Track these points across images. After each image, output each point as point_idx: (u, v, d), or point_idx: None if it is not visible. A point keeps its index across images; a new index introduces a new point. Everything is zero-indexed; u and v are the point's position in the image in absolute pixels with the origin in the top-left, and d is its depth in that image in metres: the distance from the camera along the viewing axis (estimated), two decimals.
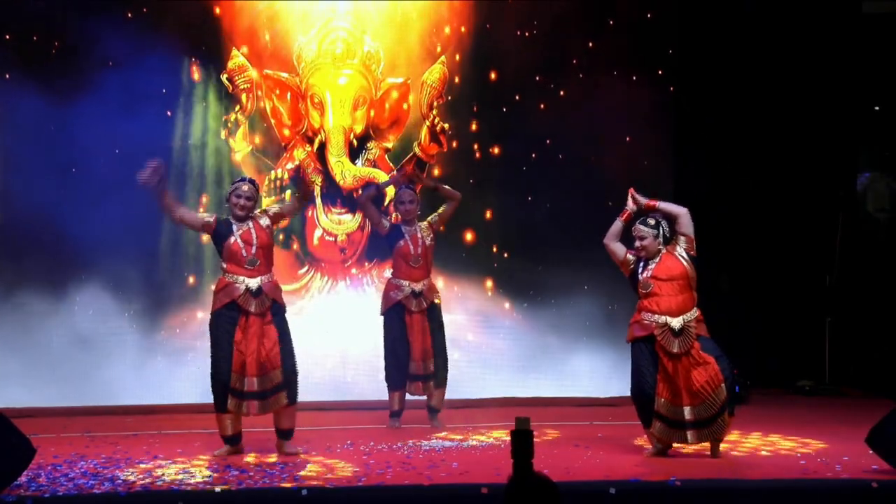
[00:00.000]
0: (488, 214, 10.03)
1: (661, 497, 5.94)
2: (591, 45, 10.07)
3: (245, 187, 7.14)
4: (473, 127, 10.06)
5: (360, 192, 9.25)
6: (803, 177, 10.50)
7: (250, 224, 7.09)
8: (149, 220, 9.36)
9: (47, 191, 9.11)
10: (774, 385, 10.42)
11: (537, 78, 10.00)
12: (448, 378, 8.45)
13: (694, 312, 6.98)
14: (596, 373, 9.67)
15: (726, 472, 6.54)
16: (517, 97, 10.02)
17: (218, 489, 5.91)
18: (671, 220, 7.13)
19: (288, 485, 6.06)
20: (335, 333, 9.63)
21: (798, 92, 10.43)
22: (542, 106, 10.01)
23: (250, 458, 6.89)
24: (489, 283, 10.02)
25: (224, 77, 9.69)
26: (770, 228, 10.67)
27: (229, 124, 9.71)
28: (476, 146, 10.07)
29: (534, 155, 10.05)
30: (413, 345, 8.27)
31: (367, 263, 9.92)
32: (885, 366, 10.34)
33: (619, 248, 7.20)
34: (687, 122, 10.31)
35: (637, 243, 7.08)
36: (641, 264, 7.08)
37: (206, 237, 7.81)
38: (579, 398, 9.52)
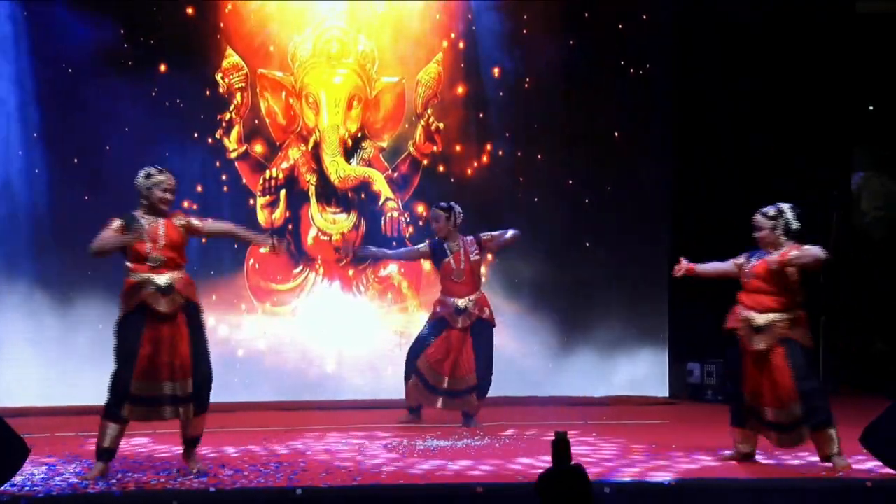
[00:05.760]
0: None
1: (659, 497, 5.95)
2: (590, 44, 10.06)
3: (170, 179, 6.38)
4: (471, 123, 10.07)
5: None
6: (798, 176, 10.50)
7: (161, 220, 6.34)
8: None
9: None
10: None
11: (536, 78, 10.00)
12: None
13: (784, 314, 6.69)
14: (595, 373, 9.66)
15: (723, 472, 6.53)
16: (515, 97, 10.02)
17: (213, 489, 5.90)
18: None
19: (283, 484, 6.05)
20: (330, 333, 9.61)
21: (793, 91, 10.43)
22: (540, 105, 10.01)
23: (245, 458, 6.87)
24: (487, 283, 9.99)
25: (218, 76, 9.66)
26: None
27: (223, 123, 9.68)
28: (473, 145, 10.07)
29: (539, 155, 10.05)
30: (446, 360, 8.22)
31: (361, 263, 9.90)
32: (880, 365, 10.34)
33: (728, 266, 6.98)
34: (684, 121, 10.30)
35: (756, 234, 6.85)
36: (750, 255, 6.89)
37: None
38: (578, 398, 9.51)
